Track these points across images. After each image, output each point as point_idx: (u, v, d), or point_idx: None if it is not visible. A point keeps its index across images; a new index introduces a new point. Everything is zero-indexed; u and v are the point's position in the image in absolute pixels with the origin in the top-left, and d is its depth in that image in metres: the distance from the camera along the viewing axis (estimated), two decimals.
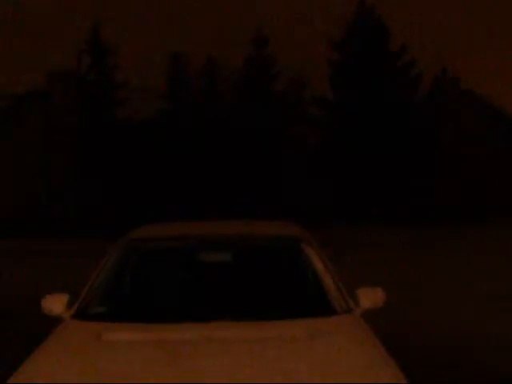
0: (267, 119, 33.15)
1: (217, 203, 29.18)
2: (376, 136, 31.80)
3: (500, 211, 29.71)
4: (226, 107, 34.53)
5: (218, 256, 4.48)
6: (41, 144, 31.35)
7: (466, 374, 6.29)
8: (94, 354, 3.21)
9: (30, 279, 13.35)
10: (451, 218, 28.37)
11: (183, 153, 31.97)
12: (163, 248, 4.61)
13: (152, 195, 30.82)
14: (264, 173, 32.14)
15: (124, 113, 33.01)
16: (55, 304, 4.09)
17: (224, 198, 30.45)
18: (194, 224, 5.29)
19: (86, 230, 27.58)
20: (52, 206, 30.46)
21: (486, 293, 10.75)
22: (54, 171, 31.08)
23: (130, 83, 33.59)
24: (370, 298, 4.10)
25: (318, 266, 4.31)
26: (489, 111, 33.60)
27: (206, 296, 4.12)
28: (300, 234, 4.75)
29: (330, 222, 26.61)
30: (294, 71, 34.68)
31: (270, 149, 32.73)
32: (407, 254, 17.20)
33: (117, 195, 31.00)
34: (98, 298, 4.09)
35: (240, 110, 33.85)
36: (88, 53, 33.94)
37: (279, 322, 3.60)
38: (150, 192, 30.94)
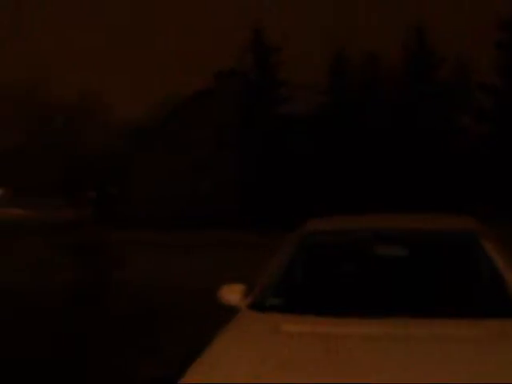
0: (431, 109, 32.00)
1: (382, 196, 28.66)
2: None
3: None
4: (387, 99, 33.88)
5: (393, 250, 4.36)
6: (207, 140, 32.81)
7: None
8: (272, 346, 3.25)
9: (200, 270, 13.98)
10: None
11: (346, 146, 31.80)
12: (338, 241, 4.58)
13: (315, 189, 30.98)
14: (430, 165, 31.05)
15: (286, 109, 33.57)
16: (232, 294, 4.23)
17: (388, 190, 29.83)
18: (367, 217, 5.19)
19: (249, 223, 28.40)
20: (220, 201, 31.73)
21: None
22: (218, 166, 32.35)
23: (292, 80, 34.12)
24: None
25: (499, 262, 4.04)
26: None
27: (380, 291, 4.02)
28: (478, 228, 4.50)
29: (501, 216, 25.08)
30: (458, 58, 33.15)
31: (436, 139, 31.54)
32: None
33: (279, 190, 31.52)
34: (274, 289, 4.14)
35: (402, 100, 33.03)
36: (251, 52, 34.89)
37: (457, 320, 3.43)
38: (313, 186, 31.12)
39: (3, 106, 57.58)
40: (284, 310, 3.85)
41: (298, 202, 29.38)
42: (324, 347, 3.17)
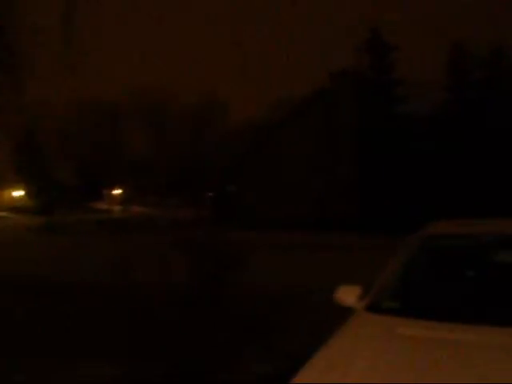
0: None
1: (509, 198, 27.10)
2: None
3: None
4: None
5: None
6: (323, 142, 32.73)
7: None
8: (386, 348, 3.24)
9: (319, 271, 14.01)
10: None
11: (468, 145, 30.49)
12: (458, 245, 4.47)
13: (437, 190, 29.97)
14: None
15: (404, 108, 32.84)
16: (348, 295, 4.24)
17: None
18: (491, 222, 5.01)
19: (365, 225, 28.06)
20: (335, 202, 31.58)
21: None
22: (335, 168, 32.18)
23: (409, 79, 33.36)
24: None
25: None
26: None
27: (500, 299, 3.87)
28: None
29: None
30: None
31: None
32: None
33: (398, 192, 30.81)
34: (390, 292, 4.10)
35: None
36: (368, 51, 34.45)
37: None
38: (434, 187, 30.13)
39: (130, 109, 60.60)
40: (400, 313, 3.80)
41: (417, 204, 28.60)
42: (437, 352, 3.12)
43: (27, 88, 13.62)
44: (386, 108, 33.07)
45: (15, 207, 59.39)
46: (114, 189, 62.97)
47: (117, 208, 60.43)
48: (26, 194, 58.91)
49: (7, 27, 12.93)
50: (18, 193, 62.02)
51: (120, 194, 65.95)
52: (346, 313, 4.03)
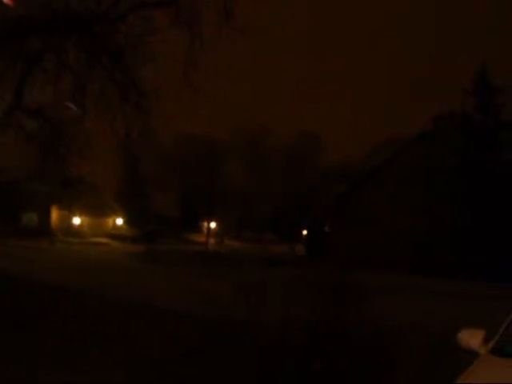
0: None
1: None
2: None
3: None
4: None
5: None
6: (424, 184, 32.18)
7: None
8: None
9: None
10: None
11: None
12: None
13: None
14: None
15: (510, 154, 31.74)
16: (472, 338, 4.26)
17: None
18: None
19: (467, 271, 27.23)
20: (434, 245, 30.86)
21: None
22: (435, 210, 31.52)
23: None
24: None
25: None
26: None
27: None
28: None
29: None
30: None
31: None
32: None
33: (506, 239, 29.50)
34: None
35: None
36: (472, 93, 33.60)
37: None
38: None
39: (229, 145, 62.09)
40: None
41: None
42: None
43: (151, 123, 14.22)
44: (493, 152, 31.94)
45: (115, 234, 61.80)
46: (210, 222, 64.38)
47: (211, 241, 61.58)
48: (126, 222, 61.17)
49: (136, 73, 13.73)
50: (120, 221, 64.45)
51: (215, 228, 67.30)
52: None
